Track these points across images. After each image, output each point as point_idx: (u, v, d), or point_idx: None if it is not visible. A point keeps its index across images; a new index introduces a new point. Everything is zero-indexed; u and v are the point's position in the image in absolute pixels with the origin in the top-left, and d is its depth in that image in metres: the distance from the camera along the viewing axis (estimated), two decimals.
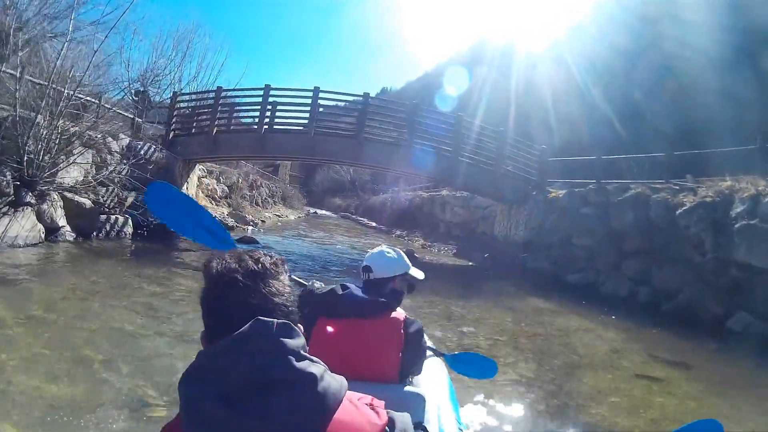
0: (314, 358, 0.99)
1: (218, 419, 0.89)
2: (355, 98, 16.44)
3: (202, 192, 19.97)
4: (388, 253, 2.62)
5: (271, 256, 1.15)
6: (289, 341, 0.96)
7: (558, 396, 5.28)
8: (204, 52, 25.88)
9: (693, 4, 20.17)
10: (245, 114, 17.62)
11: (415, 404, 2.20)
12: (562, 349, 7.01)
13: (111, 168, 13.51)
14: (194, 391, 0.93)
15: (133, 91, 21.13)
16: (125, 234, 13.18)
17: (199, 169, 19.98)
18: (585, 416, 4.83)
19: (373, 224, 33.93)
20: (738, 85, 17.02)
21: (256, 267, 1.09)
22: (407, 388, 2.35)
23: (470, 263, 16.64)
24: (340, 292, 2.38)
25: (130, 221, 13.46)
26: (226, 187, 22.73)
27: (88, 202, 12.09)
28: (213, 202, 20.60)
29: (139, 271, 9.41)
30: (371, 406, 1.08)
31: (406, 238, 25.02)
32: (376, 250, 2.66)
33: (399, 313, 2.43)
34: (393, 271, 2.57)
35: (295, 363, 0.94)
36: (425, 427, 2.08)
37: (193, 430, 0.94)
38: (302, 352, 0.97)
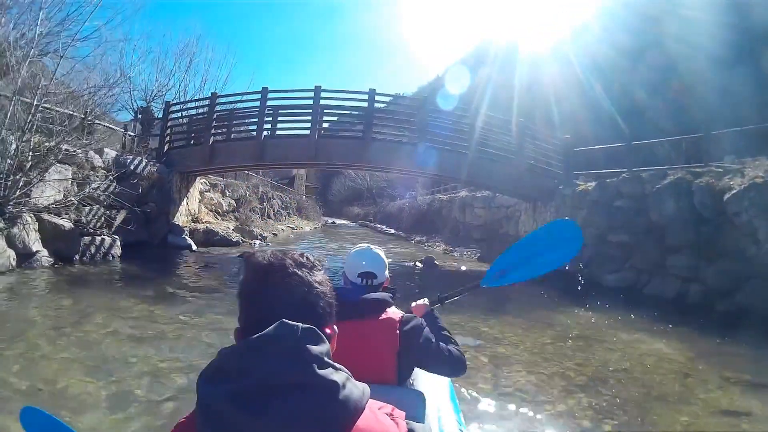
0: (338, 365, 0.96)
1: (234, 421, 0.87)
2: (360, 96, 15.04)
3: (205, 206, 18.83)
4: (380, 253, 2.57)
5: (311, 255, 1.15)
6: (313, 347, 0.93)
7: None
8: (208, 65, 25.25)
9: (695, 2, 19.46)
10: (243, 121, 16.33)
11: (416, 404, 2.17)
12: (620, 377, 5.63)
13: (95, 185, 12.31)
14: (211, 390, 0.91)
15: (137, 108, 20.31)
16: (113, 256, 12.02)
17: (201, 183, 18.89)
18: None
19: (392, 231, 33.23)
20: (739, 84, 16.17)
21: (301, 258, 1.10)
22: (408, 388, 2.34)
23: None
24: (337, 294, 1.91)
25: (118, 242, 12.30)
26: (233, 201, 21.62)
27: (67, 224, 10.95)
28: (218, 216, 19.44)
29: (122, 298, 8.19)
30: (391, 416, 1.06)
31: (425, 244, 23.81)
32: (364, 249, 2.56)
33: (395, 311, 2.36)
34: (386, 274, 2.54)
35: (318, 369, 0.91)
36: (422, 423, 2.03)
37: (208, 428, 0.91)
38: (326, 358, 0.94)
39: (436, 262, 14.53)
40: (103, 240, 11.97)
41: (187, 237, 14.97)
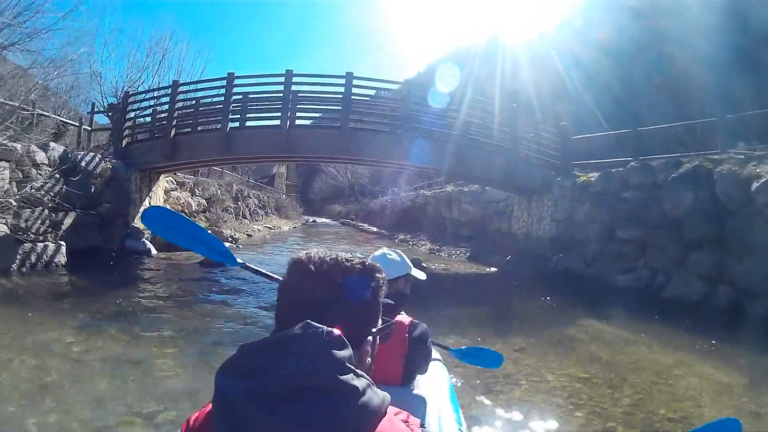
0: (359, 371, 0.94)
1: (251, 418, 0.86)
2: (336, 81, 13.64)
3: (172, 207, 17.28)
4: (390, 255, 2.65)
5: (365, 261, 1.12)
6: (336, 351, 0.91)
7: None
8: (182, 59, 23.62)
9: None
10: (208, 109, 14.83)
11: (416, 406, 2.23)
12: (656, 408, 4.39)
13: (37, 184, 10.84)
14: (231, 384, 0.90)
15: (106, 105, 18.75)
16: (56, 264, 10.58)
17: (166, 181, 17.37)
18: None
19: (374, 229, 32.06)
20: (733, 82, 15.30)
21: (346, 263, 1.08)
22: (408, 390, 2.37)
23: (489, 269, 13.87)
24: None
25: (63, 249, 10.88)
26: (203, 200, 20.10)
27: (2, 229, 9.48)
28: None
29: (59, 316, 6.92)
30: (406, 423, 1.06)
31: (410, 242, 22.45)
32: (378, 253, 2.65)
33: (404, 316, 2.43)
34: (396, 273, 2.57)
35: (339, 374, 0.89)
36: (426, 430, 1.61)
37: (223, 423, 0.90)
38: (348, 364, 0.92)
39: (423, 264, 13.16)
40: (46, 247, 10.62)
41: (146, 241, 13.47)
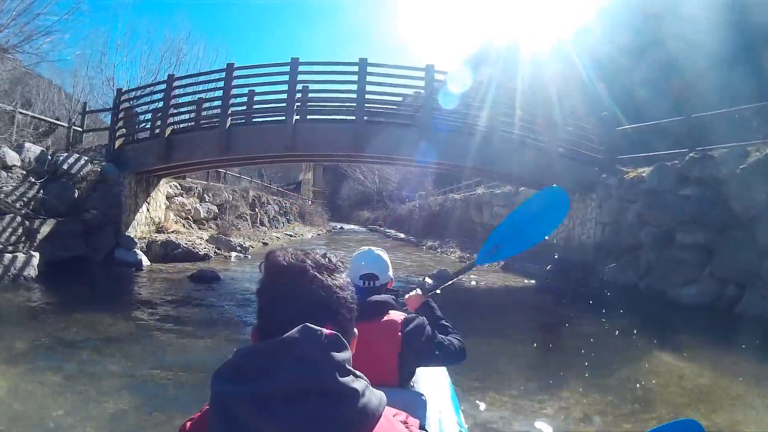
0: (358, 373, 0.94)
1: (252, 423, 0.85)
2: (347, 69, 12.08)
3: (174, 213, 15.91)
4: (383, 255, 2.55)
5: (335, 255, 1.11)
6: (336, 354, 0.90)
7: None
8: (198, 63, 23.86)
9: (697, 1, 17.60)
10: (205, 104, 13.48)
11: (417, 406, 2.21)
12: None
13: (8, 189, 9.59)
14: (228, 389, 0.88)
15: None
16: (25, 278, 9.29)
17: (170, 186, 16.01)
18: None
19: (402, 236, 30.69)
20: (739, 82, 13.60)
21: (323, 260, 1.06)
22: (409, 391, 2.35)
23: (526, 281, 12.09)
24: None
25: (34, 260, 9.62)
26: (214, 207, 18.71)
27: None
28: (192, 225, 16.52)
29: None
30: (405, 424, 1.06)
31: (438, 249, 20.80)
32: (366, 252, 2.55)
33: (396, 313, 2.35)
34: (390, 274, 2.54)
35: (339, 377, 0.88)
36: (426, 430, 2.10)
37: (222, 429, 0.89)
38: (347, 366, 0.92)
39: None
40: (14, 258, 9.39)
41: (138, 251, 12.06)
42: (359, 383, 0.91)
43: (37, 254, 9.82)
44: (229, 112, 12.10)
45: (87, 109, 14.78)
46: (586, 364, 5.32)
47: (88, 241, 11.37)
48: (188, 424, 1.02)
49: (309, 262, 1.03)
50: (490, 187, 20.71)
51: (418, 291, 2.85)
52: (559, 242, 13.87)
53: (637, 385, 5.12)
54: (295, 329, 0.90)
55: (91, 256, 11.34)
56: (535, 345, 6.17)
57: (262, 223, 24.57)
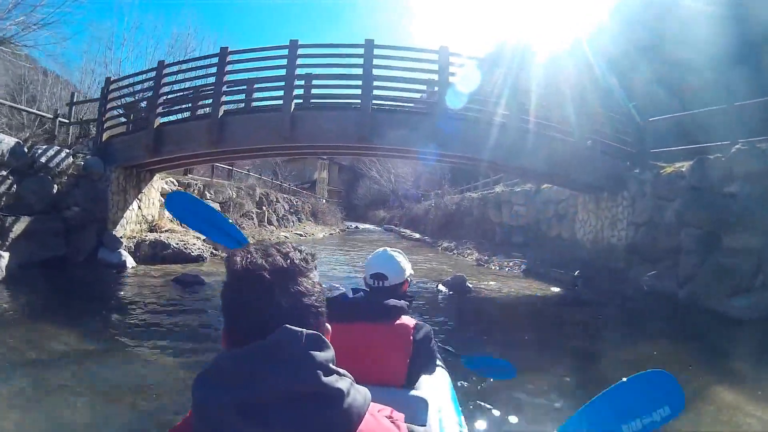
0: (341, 371, 0.94)
1: (234, 429, 0.85)
2: (352, 51, 10.96)
3: (167, 211, 14.91)
4: (397, 256, 2.58)
5: (300, 251, 1.06)
6: (318, 354, 0.91)
7: None
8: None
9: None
10: (195, 92, 12.44)
11: (418, 408, 2.19)
12: None
13: None
14: (210, 396, 0.87)
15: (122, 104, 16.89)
16: None
17: (165, 182, 15.00)
18: None
19: (417, 236, 29.56)
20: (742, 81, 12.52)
21: (284, 264, 1.01)
22: (410, 392, 2.31)
23: (552, 289, 10.79)
24: (352, 296, 2.38)
25: (2, 261, 8.86)
26: (216, 205, 17.70)
27: None
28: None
29: None
30: (391, 419, 1.05)
31: (455, 251, 19.52)
32: (380, 252, 2.60)
33: (408, 318, 2.38)
34: (407, 274, 2.57)
35: (323, 377, 0.89)
36: (427, 430, 2.14)
37: None
38: (330, 365, 0.92)
39: (468, 284, 10.23)
40: None
41: (123, 251, 11.04)
42: (343, 382, 0.90)
43: (6, 255, 8.92)
44: (222, 100, 11.00)
45: (75, 100, 13.75)
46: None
47: (68, 240, 10.48)
48: (178, 428, 0.96)
49: (268, 267, 0.98)
50: (509, 185, 19.52)
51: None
52: (586, 244, 12.66)
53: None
54: (275, 332, 0.89)
55: (72, 257, 10.44)
56: (563, 377, 5.00)
57: (269, 222, 23.60)
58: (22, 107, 12.76)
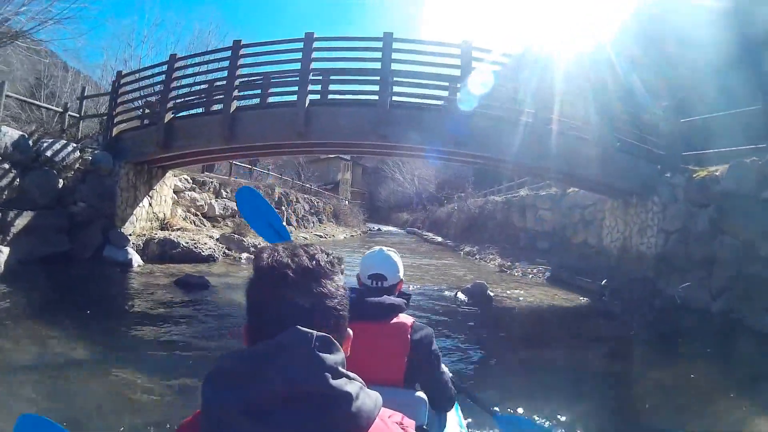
0: (351, 375, 0.93)
1: (239, 429, 0.84)
2: (370, 45, 10.51)
3: (183, 209, 14.55)
4: (393, 256, 2.51)
5: (327, 254, 1.06)
6: (327, 356, 0.90)
7: None
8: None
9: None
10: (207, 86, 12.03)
11: (417, 406, 2.20)
12: None
13: None
14: (218, 395, 0.87)
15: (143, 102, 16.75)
16: None
17: (179, 180, 14.66)
18: None
19: (439, 239, 28.96)
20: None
21: (310, 264, 1.01)
22: (409, 391, 2.30)
23: (578, 298, 10.15)
24: (351, 295, 1.65)
25: (1, 257, 8.50)
26: (233, 204, 17.32)
27: None
28: (202, 222, 15.14)
29: None
30: (401, 425, 1.05)
31: (477, 256, 18.90)
32: (377, 251, 2.53)
33: (406, 317, 2.36)
34: (400, 275, 2.52)
35: (331, 380, 0.88)
36: (427, 431, 2.19)
37: None
38: (340, 368, 0.91)
39: (489, 292, 9.64)
40: None
41: (130, 249, 10.68)
42: (353, 386, 0.89)
43: (6, 250, 8.61)
44: (235, 94, 10.59)
45: (86, 94, 13.48)
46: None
47: (73, 236, 10.15)
48: (185, 425, 0.99)
49: (293, 266, 0.98)
50: (534, 189, 18.90)
51: None
52: (613, 251, 12.02)
53: None
54: (285, 333, 0.89)
55: (77, 254, 10.13)
56: (592, 402, 4.45)
57: (288, 223, 23.19)
58: (28, 99, 12.53)
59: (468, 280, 11.31)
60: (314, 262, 1.00)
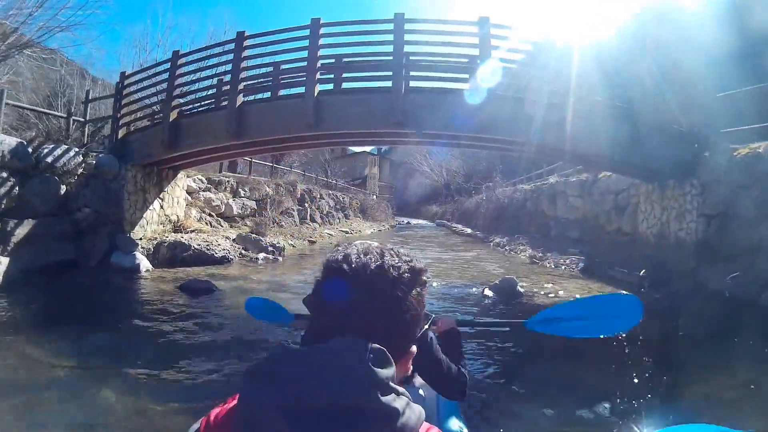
0: (400, 389, 0.87)
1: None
2: (380, 27, 9.89)
3: (197, 210, 14.12)
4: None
5: (409, 261, 1.00)
6: (380, 371, 0.84)
7: None
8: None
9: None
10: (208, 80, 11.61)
11: (430, 405, 2.10)
12: None
13: None
14: (259, 395, 0.82)
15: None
16: None
17: (193, 180, 14.25)
18: None
19: (468, 231, 28.40)
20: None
21: (392, 260, 0.97)
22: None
23: (615, 290, 9.38)
24: None
25: (0, 267, 8.17)
26: (252, 203, 16.91)
27: None
28: (219, 224, 14.72)
29: None
30: None
31: (506, 247, 18.20)
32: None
33: None
34: None
35: (381, 396, 0.82)
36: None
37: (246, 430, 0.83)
38: (390, 383, 0.86)
39: (519, 288, 8.93)
40: None
41: (138, 254, 10.24)
42: (400, 401, 0.85)
43: (5, 260, 8.24)
44: (240, 88, 10.08)
45: (90, 98, 13.11)
46: None
47: (79, 243, 9.78)
48: (213, 414, 0.93)
49: (360, 268, 0.94)
50: (563, 175, 18.11)
51: (455, 317, 2.79)
52: (649, 238, 11.22)
53: None
54: (341, 340, 0.86)
55: (83, 261, 9.75)
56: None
57: (312, 219, 22.78)
58: (27, 106, 12.22)
59: (497, 275, 10.67)
60: (385, 266, 0.95)
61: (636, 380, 4.83)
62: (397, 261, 0.96)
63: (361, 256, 0.96)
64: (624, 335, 6.25)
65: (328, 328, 0.89)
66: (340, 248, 1.00)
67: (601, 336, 2.87)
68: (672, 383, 4.82)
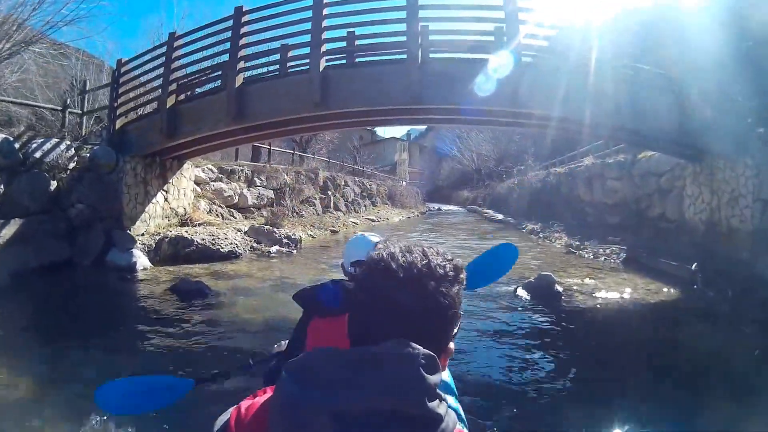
0: (443, 395, 0.84)
1: None
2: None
3: (207, 201, 13.35)
4: (374, 239, 2.42)
5: (450, 259, 0.94)
6: (429, 377, 0.81)
7: None
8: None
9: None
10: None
11: None
12: None
13: None
14: (305, 395, 0.78)
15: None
16: None
17: (202, 170, 13.49)
18: None
19: (500, 217, 27.39)
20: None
21: (426, 266, 0.89)
22: None
23: (663, 288, 8.26)
24: (332, 287, 2.23)
25: None
26: (269, 192, 16.12)
27: None
28: (232, 215, 13.96)
29: None
30: None
31: (541, 234, 17.20)
32: (358, 237, 2.46)
33: None
34: None
35: (428, 402, 0.79)
36: None
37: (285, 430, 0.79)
38: (437, 389, 0.82)
39: (558, 287, 7.84)
40: None
41: (137, 252, 9.50)
42: (443, 408, 0.82)
43: None
44: (240, 66, 9.23)
45: (87, 88, 12.40)
46: None
47: (72, 242, 9.07)
48: (243, 407, 0.89)
49: (406, 266, 0.88)
50: (599, 156, 16.91)
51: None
52: (698, 226, 10.07)
53: None
54: (392, 343, 0.82)
55: (78, 260, 9.09)
56: None
57: (336, 208, 21.97)
58: (18, 101, 11.58)
59: (532, 269, 9.61)
60: (432, 264, 0.89)
61: (706, 400, 3.90)
62: (441, 260, 0.90)
63: (407, 254, 0.89)
64: (681, 342, 5.26)
65: (374, 327, 0.85)
66: (380, 246, 0.94)
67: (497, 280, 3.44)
68: (749, 412, 3.83)
